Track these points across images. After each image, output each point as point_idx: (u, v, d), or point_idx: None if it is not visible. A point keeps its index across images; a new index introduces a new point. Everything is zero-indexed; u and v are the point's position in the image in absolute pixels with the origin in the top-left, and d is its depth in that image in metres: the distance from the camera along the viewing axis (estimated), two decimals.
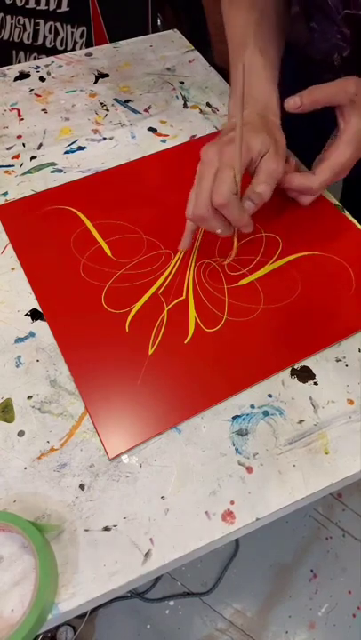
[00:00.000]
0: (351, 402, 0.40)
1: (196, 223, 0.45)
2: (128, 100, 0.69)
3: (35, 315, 0.46)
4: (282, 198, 0.54)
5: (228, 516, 0.35)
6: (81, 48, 1.32)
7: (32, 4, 1.28)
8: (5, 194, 0.57)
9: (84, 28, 1.29)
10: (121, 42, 0.79)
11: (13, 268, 0.50)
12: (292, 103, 0.42)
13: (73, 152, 0.62)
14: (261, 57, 0.46)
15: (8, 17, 1.32)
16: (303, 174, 0.47)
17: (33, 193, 0.57)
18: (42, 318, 0.46)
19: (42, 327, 0.45)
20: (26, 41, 1.34)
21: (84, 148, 0.62)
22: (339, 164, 0.45)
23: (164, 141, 0.63)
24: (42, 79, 0.73)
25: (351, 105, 0.43)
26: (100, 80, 0.72)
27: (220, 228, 0.43)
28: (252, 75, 0.46)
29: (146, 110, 0.67)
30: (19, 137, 0.64)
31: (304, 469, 0.37)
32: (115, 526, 0.35)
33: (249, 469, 0.37)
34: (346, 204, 0.54)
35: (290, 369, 0.42)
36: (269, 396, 0.41)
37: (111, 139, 0.63)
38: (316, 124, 0.51)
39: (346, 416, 0.40)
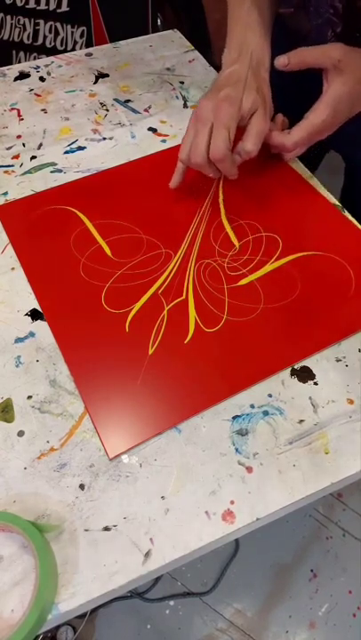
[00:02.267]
0: (351, 402, 0.40)
1: (191, 167, 0.50)
2: (128, 100, 0.69)
3: (35, 315, 0.46)
4: (282, 199, 0.54)
5: (228, 515, 0.35)
6: (81, 48, 1.32)
7: (32, 4, 1.28)
8: (5, 194, 0.57)
9: (84, 28, 1.29)
10: (121, 42, 0.79)
11: (13, 268, 0.50)
12: (281, 61, 0.46)
13: (73, 152, 0.62)
14: (258, 14, 0.49)
15: (8, 17, 1.31)
16: (281, 133, 0.50)
17: (33, 193, 0.57)
18: (42, 318, 0.46)
19: (42, 327, 0.45)
20: (26, 41, 1.34)
21: (84, 147, 0.62)
22: (314, 125, 0.47)
23: (164, 141, 0.63)
24: (42, 79, 0.73)
25: (334, 70, 0.45)
26: (100, 80, 0.72)
27: (212, 173, 0.49)
28: (248, 30, 0.48)
29: (146, 110, 0.67)
30: (19, 137, 0.64)
31: (304, 469, 0.37)
32: (115, 526, 0.35)
33: (249, 469, 0.37)
34: (345, 204, 0.54)
35: (290, 369, 0.42)
36: (269, 395, 0.41)
37: (111, 139, 0.63)
38: (299, 81, 0.54)
39: (346, 416, 0.40)
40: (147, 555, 0.34)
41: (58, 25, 1.30)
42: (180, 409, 0.40)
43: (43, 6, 1.28)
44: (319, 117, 0.47)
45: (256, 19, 0.50)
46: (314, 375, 0.42)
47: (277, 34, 0.55)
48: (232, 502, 0.36)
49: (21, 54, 1.36)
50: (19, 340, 0.45)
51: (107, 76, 0.73)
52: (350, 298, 0.46)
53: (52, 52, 1.33)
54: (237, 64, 0.48)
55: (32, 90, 0.71)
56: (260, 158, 0.59)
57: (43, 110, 0.67)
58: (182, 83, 0.71)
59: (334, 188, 0.57)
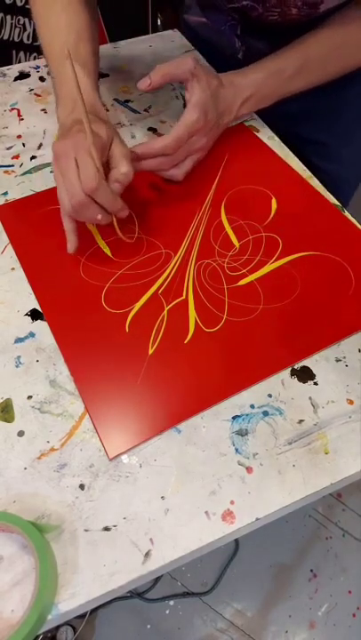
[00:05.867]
0: (351, 402, 0.41)
1: (76, 215, 0.46)
2: (128, 100, 0.69)
3: (35, 315, 0.46)
4: (283, 199, 0.54)
5: (228, 515, 0.35)
6: None
7: None
8: (5, 194, 0.57)
9: None
10: (121, 42, 0.79)
11: (13, 268, 0.50)
12: (143, 82, 0.49)
13: None
14: (82, 69, 0.50)
15: (8, 17, 1.32)
16: (156, 139, 0.50)
17: (33, 193, 0.57)
18: (42, 318, 0.46)
19: (42, 327, 0.45)
20: (26, 41, 1.34)
21: None
22: (186, 124, 0.50)
23: None
24: (42, 79, 0.73)
25: (193, 78, 0.50)
26: (100, 80, 0.72)
27: (100, 213, 0.45)
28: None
29: (146, 110, 0.67)
30: (19, 137, 0.64)
31: (304, 469, 0.37)
32: (115, 526, 0.35)
33: (249, 469, 0.37)
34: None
35: (290, 369, 0.42)
36: (269, 395, 0.41)
37: None
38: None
39: (346, 416, 0.40)
40: (147, 555, 0.34)
41: None
42: (180, 409, 0.40)
43: None
44: (191, 117, 0.50)
45: (81, 73, 0.49)
46: (314, 375, 0.42)
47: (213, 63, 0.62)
48: (232, 502, 0.36)
49: (21, 54, 1.36)
50: (19, 340, 0.45)
51: (107, 76, 0.73)
52: (350, 298, 0.46)
53: None
54: (74, 112, 0.47)
55: (32, 90, 0.71)
56: (261, 162, 0.59)
57: (43, 110, 0.67)
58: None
59: (343, 190, 0.57)
